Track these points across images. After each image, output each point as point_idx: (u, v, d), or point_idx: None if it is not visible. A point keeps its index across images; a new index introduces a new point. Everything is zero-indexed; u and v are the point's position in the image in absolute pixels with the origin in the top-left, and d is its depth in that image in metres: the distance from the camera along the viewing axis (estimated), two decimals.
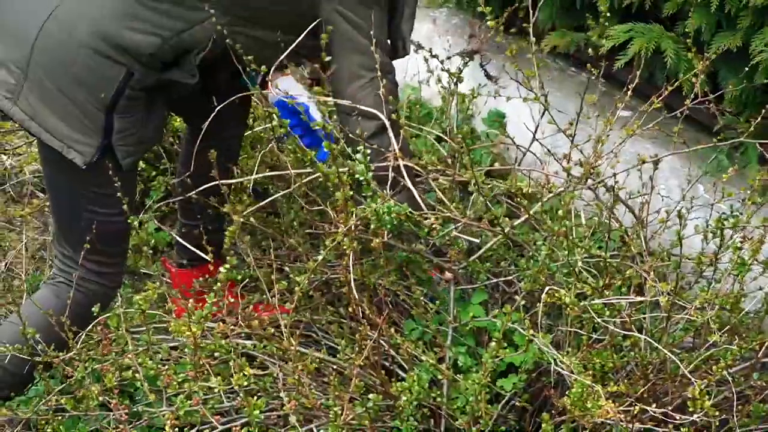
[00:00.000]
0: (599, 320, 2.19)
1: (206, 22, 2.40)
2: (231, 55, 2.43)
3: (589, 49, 3.53)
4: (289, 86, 2.85)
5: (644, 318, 2.32)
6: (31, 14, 2.40)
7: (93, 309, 2.42)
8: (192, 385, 2.21)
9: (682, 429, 2.02)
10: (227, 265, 2.19)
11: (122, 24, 2.37)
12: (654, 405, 2.09)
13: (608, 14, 3.33)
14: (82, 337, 2.49)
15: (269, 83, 2.78)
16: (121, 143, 2.43)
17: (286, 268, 2.93)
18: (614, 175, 2.43)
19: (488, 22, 2.56)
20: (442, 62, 2.73)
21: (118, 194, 2.42)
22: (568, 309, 2.18)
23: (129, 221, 2.53)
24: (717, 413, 2.00)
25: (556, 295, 2.17)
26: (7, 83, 2.39)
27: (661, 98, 2.55)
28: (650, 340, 2.22)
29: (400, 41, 2.80)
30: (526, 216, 2.49)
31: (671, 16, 3.31)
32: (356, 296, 2.29)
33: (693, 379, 2.04)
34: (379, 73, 2.51)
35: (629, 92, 2.56)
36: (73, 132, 2.39)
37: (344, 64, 2.64)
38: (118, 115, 2.40)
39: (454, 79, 2.70)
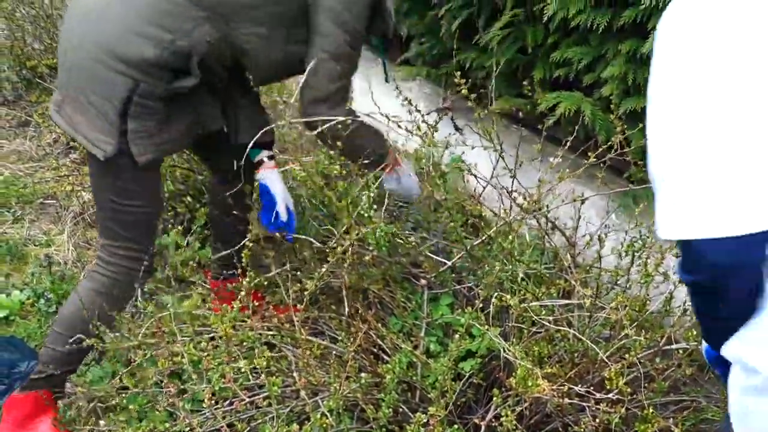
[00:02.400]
0: (537, 318, 2.19)
1: (198, 28, 2.28)
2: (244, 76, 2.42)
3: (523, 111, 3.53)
4: (271, 178, 2.76)
5: (572, 316, 2.32)
6: (65, 41, 2.40)
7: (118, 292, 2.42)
8: (225, 367, 2.18)
9: (601, 403, 2.01)
10: (250, 277, 2.19)
11: (125, 39, 2.26)
12: (579, 385, 2.09)
13: (541, 84, 3.37)
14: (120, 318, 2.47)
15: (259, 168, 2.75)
16: (136, 143, 2.31)
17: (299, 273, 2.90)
18: (547, 209, 2.44)
19: (458, 89, 2.54)
20: (423, 116, 2.68)
21: (138, 188, 2.38)
22: (513, 309, 2.17)
23: (150, 212, 2.46)
24: (629, 389, 2.00)
25: (504, 299, 2.16)
26: (56, 100, 2.41)
27: (581, 150, 2.54)
28: (576, 333, 2.20)
29: (387, 15, 2.64)
30: (484, 237, 2.50)
31: (589, 85, 3.29)
32: (351, 299, 2.30)
33: (609, 363, 2.04)
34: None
35: (564, 144, 2.55)
36: (96, 133, 2.32)
37: (312, 43, 2.47)
38: (131, 119, 2.29)
39: (432, 129, 2.66)
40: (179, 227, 3.61)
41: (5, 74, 5.22)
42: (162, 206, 2.57)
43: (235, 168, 2.57)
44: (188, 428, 2.16)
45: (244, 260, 2.33)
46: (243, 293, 2.20)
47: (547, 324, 2.19)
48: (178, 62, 2.29)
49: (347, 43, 2.37)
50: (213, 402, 2.14)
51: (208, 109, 2.54)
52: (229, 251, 2.89)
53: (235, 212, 2.79)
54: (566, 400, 2.05)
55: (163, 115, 2.37)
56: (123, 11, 2.29)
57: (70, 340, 2.39)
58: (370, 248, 2.47)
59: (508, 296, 2.18)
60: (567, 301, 2.29)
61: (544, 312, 2.24)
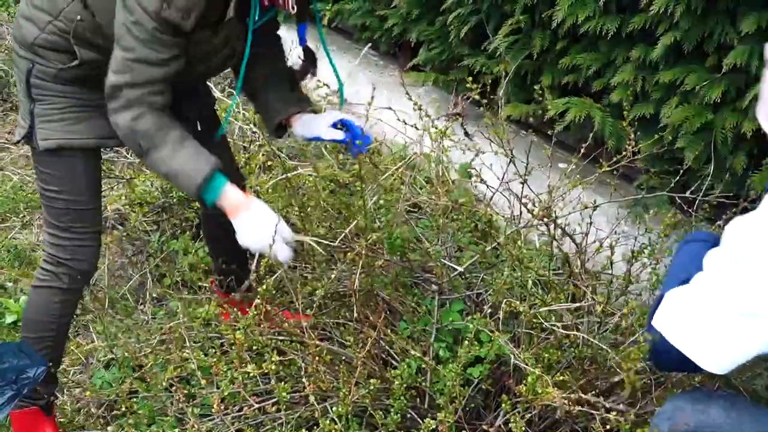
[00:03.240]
0: (546, 324, 2.18)
1: (70, 5, 2.20)
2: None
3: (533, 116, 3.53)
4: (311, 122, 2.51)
5: (581, 323, 2.31)
6: None
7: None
8: (234, 373, 2.17)
9: (611, 412, 2.01)
10: (266, 285, 2.16)
11: (18, 24, 2.31)
12: (589, 392, 2.08)
13: (550, 90, 3.36)
14: None
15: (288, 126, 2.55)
16: (41, 127, 2.30)
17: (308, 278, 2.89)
18: (556, 218, 2.43)
19: (467, 96, 2.53)
20: (432, 121, 2.67)
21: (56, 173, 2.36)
22: (523, 315, 2.16)
23: (73, 201, 2.38)
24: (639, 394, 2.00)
25: (513, 305, 2.15)
26: None
27: (591, 156, 2.53)
28: (586, 336, 2.19)
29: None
30: (495, 243, 2.49)
31: (599, 92, 3.29)
32: (360, 304, 2.28)
33: (621, 371, 2.03)
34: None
35: (578, 152, 2.54)
36: (19, 117, 2.38)
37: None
38: (36, 102, 2.30)
39: (442, 135, 2.65)
40: (188, 232, 3.62)
41: (13, 79, 5.23)
42: (92, 200, 2.45)
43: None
44: None
45: (262, 268, 2.28)
46: (258, 301, 2.17)
47: (557, 328, 2.18)
48: (64, 43, 2.26)
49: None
50: (222, 408, 2.13)
51: None
52: (235, 268, 2.86)
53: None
54: (576, 408, 2.04)
55: (68, 104, 2.34)
56: (22, 5, 2.34)
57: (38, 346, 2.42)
58: (383, 252, 2.46)
59: (518, 302, 2.17)
60: (577, 304, 2.27)
61: (553, 318, 2.23)
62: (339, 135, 2.44)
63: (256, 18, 2.20)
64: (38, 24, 2.25)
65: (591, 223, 2.46)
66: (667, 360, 1.78)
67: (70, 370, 3.09)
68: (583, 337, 2.21)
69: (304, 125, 2.51)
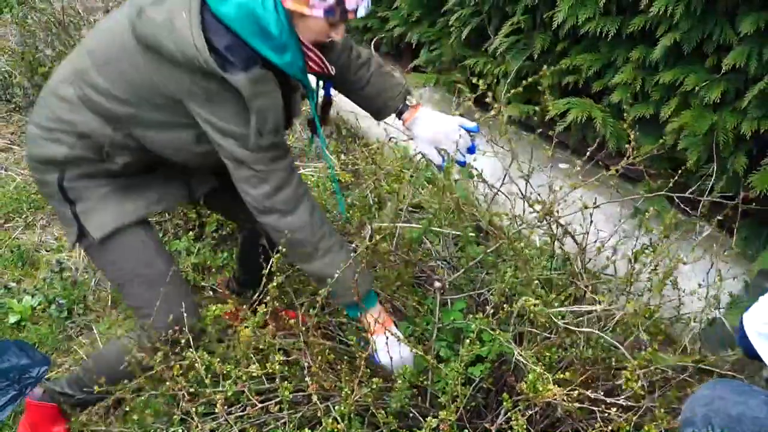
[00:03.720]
0: (548, 323, 2.18)
1: (98, 127, 2.18)
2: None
3: (536, 116, 3.53)
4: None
5: (582, 323, 2.31)
6: None
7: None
8: (237, 372, 2.17)
9: (612, 408, 2.01)
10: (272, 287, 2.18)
11: (38, 145, 2.27)
12: (589, 390, 2.08)
13: (550, 90, 3.37)
14: None
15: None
16: (88, 220, 2.29)
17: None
18: (558, 217, 2.44)
19: (467, 98, 2.53)
20: None
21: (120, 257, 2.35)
22: (530, 312, 2.16)
23: (146, 275, 2.35)
24: (642, 393, 2.00)
25: (515, 304, 2.15)
26: None
27: (589, 156, 2.54)
28: (592, 330, 2.20)
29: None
30: (501, 241, 2.49)
31: (598, 92, 3.30)
32: None
33: (623, 360, 2.03)
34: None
35: (586, 155, 2.53)
36: (65, 227, 2.37)
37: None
38: (78, 203, 2.29)
39: None
40: (191, 233, 3.63)
41: (17, 80, 5.23)
42: (166, 262, 2.41)
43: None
44: None
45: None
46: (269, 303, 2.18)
47: (561, 325, 2.17)
48: (93, 152, 2.25)
49: (240, 146, 2.12)
50: (226, 407, 2.13)
51: (174, 183, 2.48)
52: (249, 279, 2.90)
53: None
54: (576, 405, 2.04)
55: (110, 188, 2.33)
56: (31, 125, 2.31)
57: (95, 390, 2.36)
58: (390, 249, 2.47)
59: (525, 299, 2.16)
60: (578, 308, 2.27)
61: (557, 316, 2.23)
62: (437, 159, 2.45)
63: (315, 94, 2.33)
64: (65, 142, 2.23)
65: (592, 222, 2.46)
66: (754, 357, 1.85)
67: (73, 369, 3.10)
68: (585, 337, 2.22)
69: (419, 125, 2.47)
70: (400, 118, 2.52)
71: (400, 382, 2.24)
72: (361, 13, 2.04)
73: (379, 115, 2.56)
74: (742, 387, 1.88)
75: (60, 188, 2.27)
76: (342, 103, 2.66)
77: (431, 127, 2.44)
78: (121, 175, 2.32)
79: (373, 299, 2.35)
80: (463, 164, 2.44)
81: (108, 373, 2.37)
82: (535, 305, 2.12)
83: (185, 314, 2.29)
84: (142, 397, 2.38)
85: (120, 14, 2.14)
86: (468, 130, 2.41)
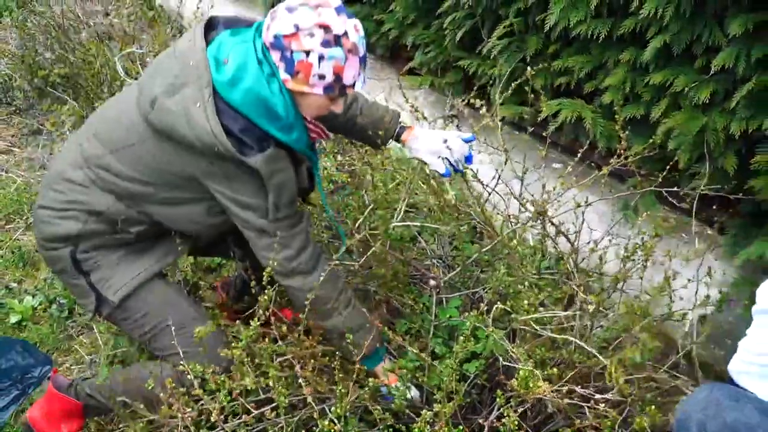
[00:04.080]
0: (539, 326, 2.19)
1: (110, 204, 2.25)
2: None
3: (528, 117, 3.56)
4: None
5: (573, 320, 2.32)
6: None
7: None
8: (231, 384, 2.20)
9: (601, 403, 2.03)
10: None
11: (48, 223, 2.31)
12: (579, 386, 2.11)
13: (542, 91, 3.39)
14: None
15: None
16: (105, 288, 2.33)
17: None
18: (551, 216, 2.46)
19: (462, 99, 2.56)
20: (429, 123, 2.70)
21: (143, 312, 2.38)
22: (525, 311, 2.18)
23: (172, 324, 2.34)
24: (629, 390, 2.02)
25: (508, 304, 2.18)
26: None
27: (580, 156, 2.56)
28: (578, 341, 2.21)
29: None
30: (496, 240, 2.51)
31: (590, 93, 3.32)
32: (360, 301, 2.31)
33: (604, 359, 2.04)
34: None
35: (578, 157, 2.55)
36: (81, 300, 2.40)
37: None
38: (92, 272, 2.33)
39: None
40: None
41: (17, 83, 5.24)
42: (191, 306, 2.47)
43: None
44: None
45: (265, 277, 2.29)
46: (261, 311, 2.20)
47: (546, 334, 2.20)
48: (106, 225, 2.31)
49: (260, 217, 2.20)
50: (222, 418, 2.14)
51: (180, 239, 2.47)
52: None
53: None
54: (566, 401, 2.07)
55: (124, 251, 2.38)
56: (40, 208, 2.34)
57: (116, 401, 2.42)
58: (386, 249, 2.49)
59: (516, 301, 2.19)
60: (569, 313, 2.29)
61: (547, 317, 2.24)
62: (441, 168, 2.48)
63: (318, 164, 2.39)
64: (79, 219, 2.28)
65: (584, 221, 2.48)
66: None
67: (74, 368, 3.12)
68: (578, 335, 2.24)
69: (418, 141, 2.53)
70: (398, 141, 2.58)
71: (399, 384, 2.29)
72: (359, 86, 2.10)
73: (377, 144, 2.63)
74: (737, 392, 1.87)
75: (73, 261, 2.32)
76: None
77: (430, 140, 2.50)
78: (135, 242, 2.37)
79: (383, 351, 2.48)
80: (462, 172, 2.50)
81: (132, 395, 2.42)
82: (526, 311, 2.16)
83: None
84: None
85: (127, 101, 2.21)
86: (465, 141, 2.47)
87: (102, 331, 3.23)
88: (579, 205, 2.41)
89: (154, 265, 2.39)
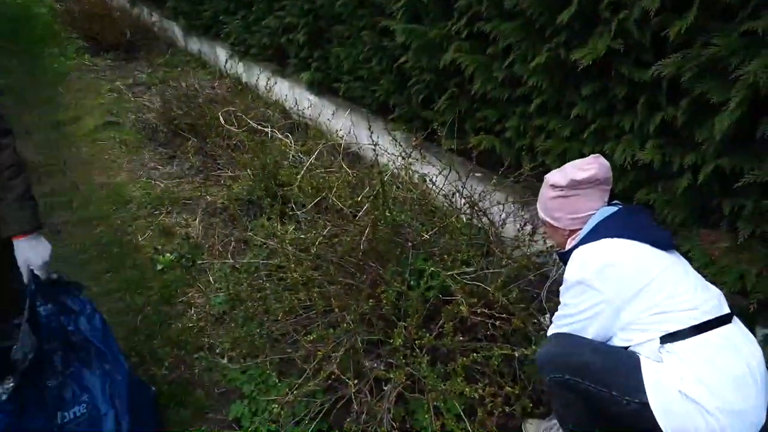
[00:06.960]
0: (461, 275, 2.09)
1: None
2: None
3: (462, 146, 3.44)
4: None
5: (489, 270, 2.23)
6: None
7: None
8: (287, 294, 2.09)
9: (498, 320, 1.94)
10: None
11: None
12: (487, 309, 2.04)
13: (471, 131, 3.26)
14: None
15: None
16: None
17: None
18: (480, 207, 2.35)
19: (423, 136, 2.46)
20: (404, 150, 2.58)
21: None
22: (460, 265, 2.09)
23: None
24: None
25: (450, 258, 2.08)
26: None
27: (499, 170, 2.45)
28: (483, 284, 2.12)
29: None
30: (447, 220, 2.41)
31: (499, 131, 3.21)
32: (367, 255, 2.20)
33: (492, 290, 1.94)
34: None
35: (510, 175, 2.46)
36: None
37: None
38: None
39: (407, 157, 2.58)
40: (263, 216, 3.50)
41: (160, 128, 5.12)
42: None
43: None
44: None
45: None
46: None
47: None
48: None
49: None
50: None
51: None
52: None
53: None
54: (478, 319, 1.99)
55: None
56: None
57: None
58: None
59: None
60: (472, 269, 2.20)
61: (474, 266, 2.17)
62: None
63: None
64: None
65: (504, 210, 2.40)
66: None
67: (195, 295, 3.03)
68: (490, 279, 2.15)
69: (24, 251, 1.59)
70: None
71: (385, 301, 2.17)
72: None
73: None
74: (575, 341, 1.60)
75: None
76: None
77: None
78: None
79: None
80: None
81: None
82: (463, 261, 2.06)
83: None
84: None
85: None
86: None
87: (212, 273, 3.14)
88: (501, 203, 2.32)
89: None
